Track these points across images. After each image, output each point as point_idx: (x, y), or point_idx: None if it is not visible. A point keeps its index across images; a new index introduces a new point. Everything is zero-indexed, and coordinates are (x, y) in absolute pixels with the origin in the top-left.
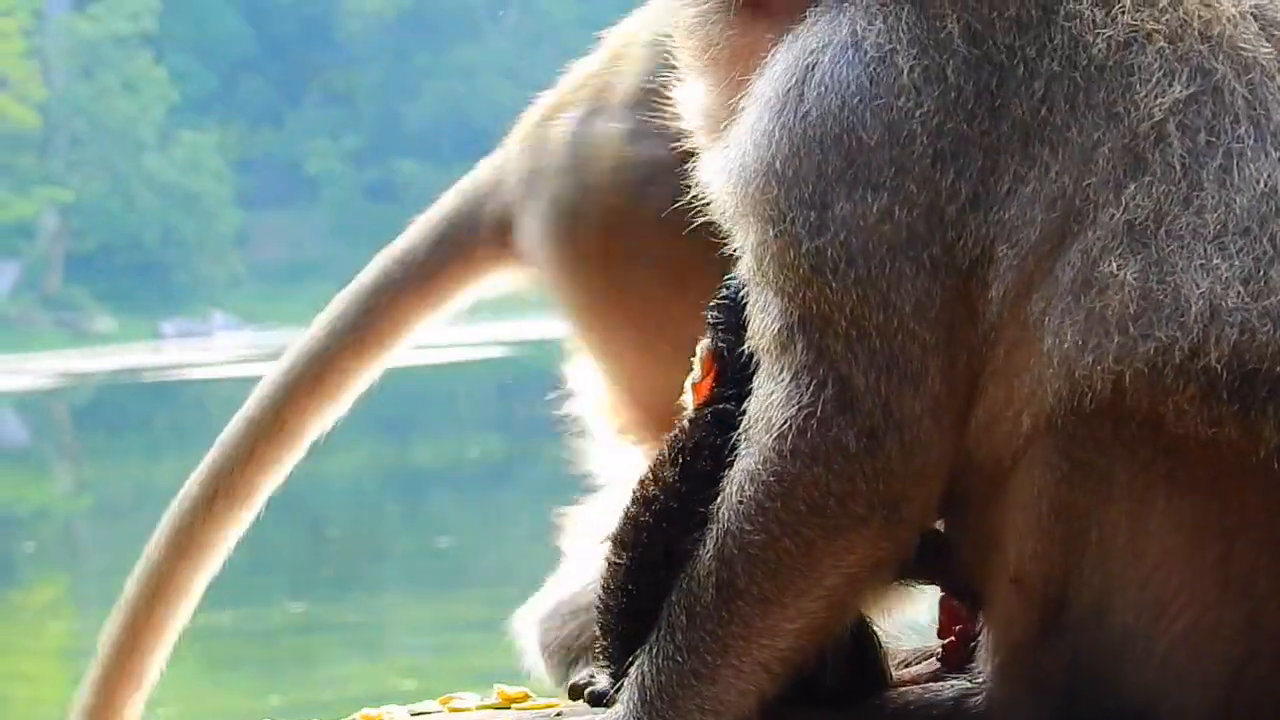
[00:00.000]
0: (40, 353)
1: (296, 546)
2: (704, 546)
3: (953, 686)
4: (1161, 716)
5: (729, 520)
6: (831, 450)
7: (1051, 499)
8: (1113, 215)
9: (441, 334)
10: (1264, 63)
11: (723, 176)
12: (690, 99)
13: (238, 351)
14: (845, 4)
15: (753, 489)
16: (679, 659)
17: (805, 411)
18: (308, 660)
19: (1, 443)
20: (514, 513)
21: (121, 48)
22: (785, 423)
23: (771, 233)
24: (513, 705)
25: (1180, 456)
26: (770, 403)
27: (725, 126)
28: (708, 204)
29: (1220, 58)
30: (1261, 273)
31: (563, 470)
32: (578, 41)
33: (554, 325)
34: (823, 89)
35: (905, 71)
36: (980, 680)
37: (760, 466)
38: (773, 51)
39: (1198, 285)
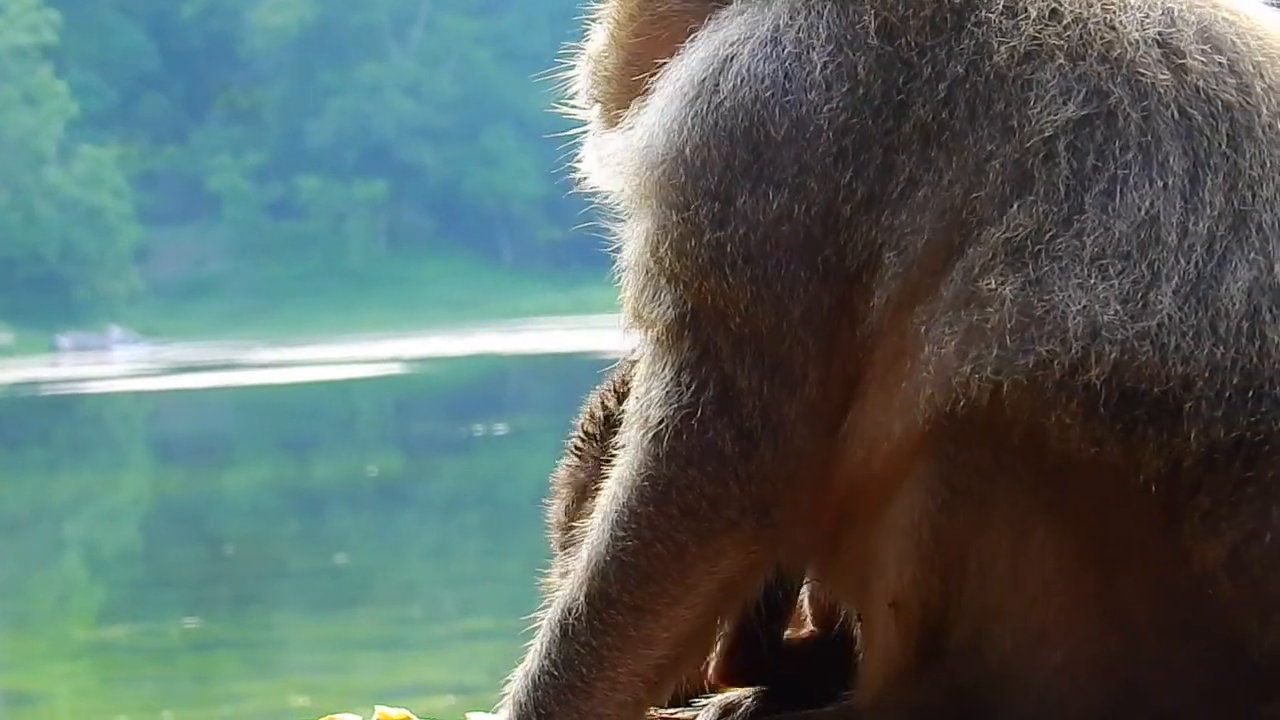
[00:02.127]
0: None
1: (193, 563)
2: (577, 558)
3: (831, 710)
4: None
5: (602, 529)
6: (707, 452)
7: (932, 525)
8: (995, 233)
9: (339, 351)
10: (1161, 91)
11: (628, 156)
12: (600, 67)
13: (135, 366)
14: None
15: (625, 495)
16: (554, 674)
17: (684, 412)
18: (203, 677)
19: None
20: (411, 531)
21: (21, 60)
22: (662, 422)
23: (675, 218)
24: None
25: (1061, 485)
26: (649, 400)
27: (633, 104)
28: (603, 179)
29: (1118, 81)
30: (1140, 296)
31: (460, 488)
32: (478, 60)
33: (453, 344)
34: (738, 81)
35: (819, 67)
36: (859, 710)
37: (634, 471)
38: (693, 37)
39: (1076, 304)
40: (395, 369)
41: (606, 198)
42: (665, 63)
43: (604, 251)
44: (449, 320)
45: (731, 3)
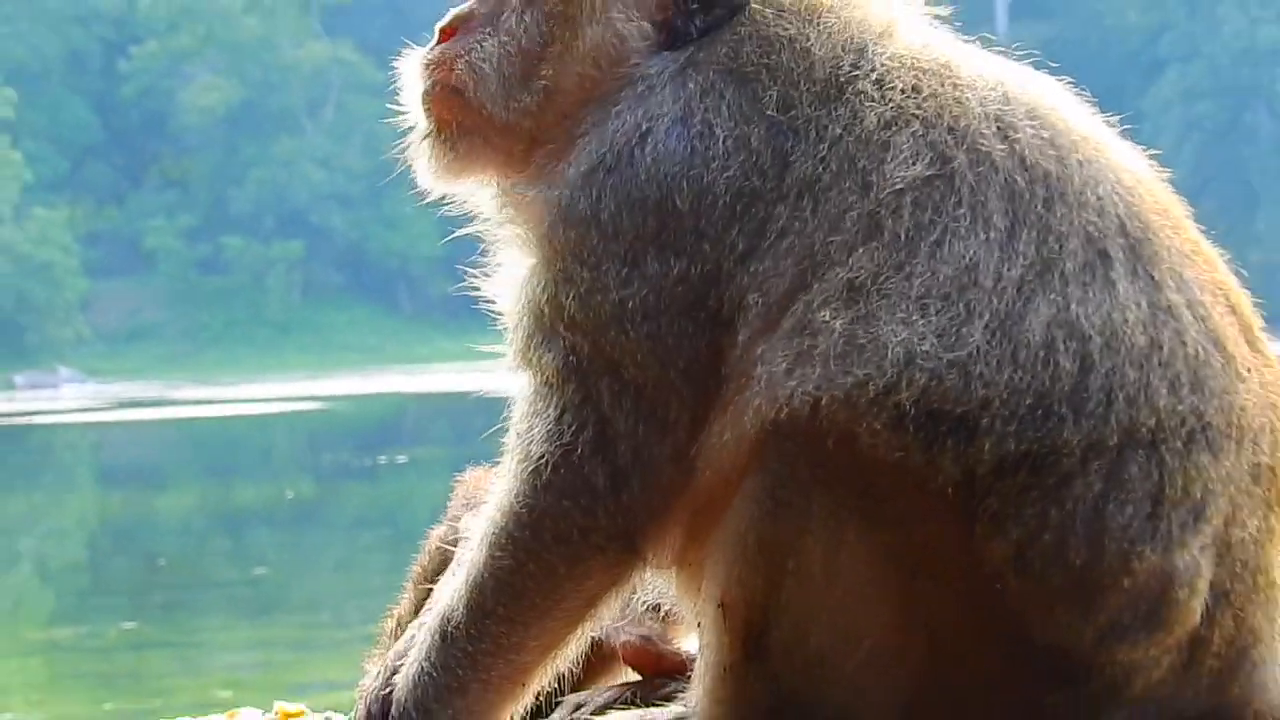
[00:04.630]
0: None
1: (131, 573)
2: (456, 574)
3: (672, 710)
4: None
5: (480, 549)
6: (582, 487)
7: (758, 532)
8: (840, 274)
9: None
10: (995, 159)
11: (540, 206)
12: (522, 95)
13: (81, 401)
14: (688, 75)
15: (503, 520)
16: (434, 675)
17: (564, 449)
18: (139, 673)
19: None
20: (322, 547)
21: None
22: (543, 457)
23: (584, 274)
24: (287, 716)
25: (870, 494)
26: (531, 436)
27: (549, 142)
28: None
29: (961, 148)
30: (955, 331)
31: (365, 511)
32: (381, 135)
33: (360, 384)
34: (654, 157)
35: (720, 140)
36: (692, 706)
37: (512, 499)
38: (618, 101)
39: (897, 336)
40: (309, 406)
41: (493, 239)
42: (588, 112)
43: (488, 307)
44: (356, 363)
45: (655, 78)
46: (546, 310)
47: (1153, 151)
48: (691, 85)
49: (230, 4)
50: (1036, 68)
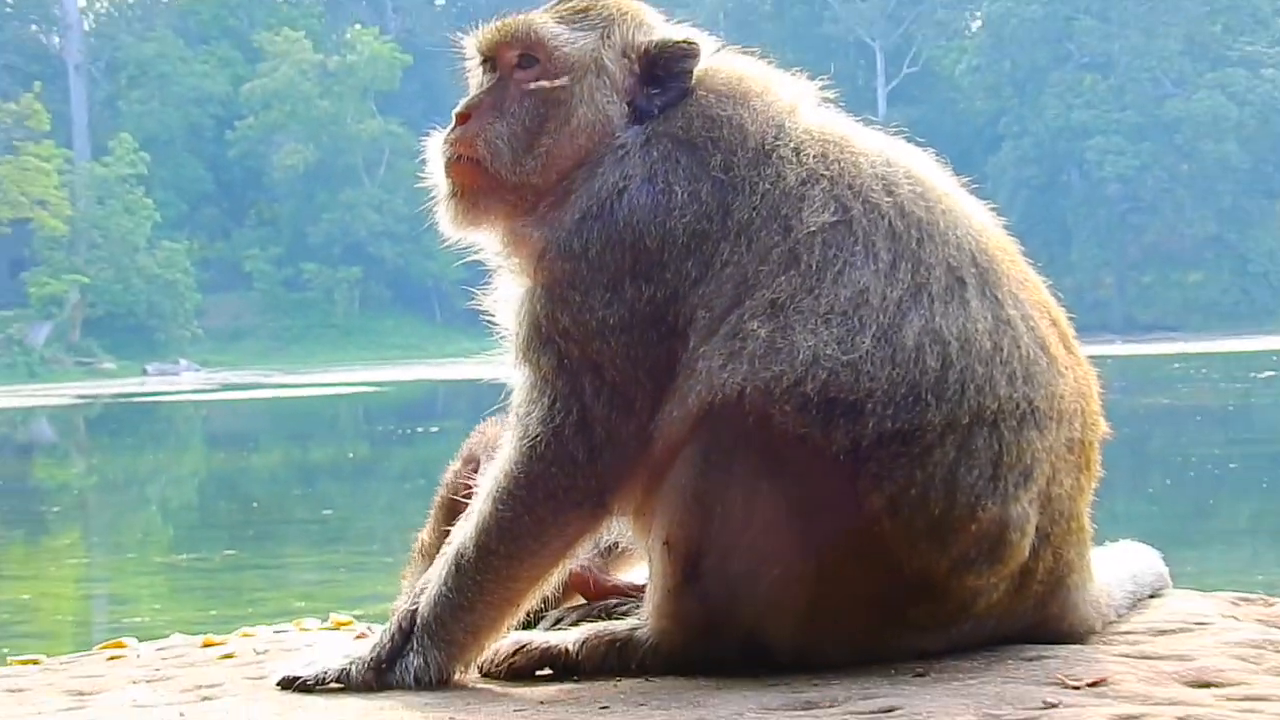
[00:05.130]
0: (65, 383)
1: (231, 513)
2: (468, 520)
3: (626, 624)
4: (766, 637)
5: (486, 501)
6: (567, 458)
7: (694, 486)
8: (765, 294)
9: (329, 377)
10: (882, 208)
11: (542, 244)
12: (527, 161)
13: (196, 385)
14: (652, 144)
15: (505, 481)
16: (449, 597)
17: (554, 428)
18: (236, 588)
19: (39, 440)
20: (375, 495)
21: (123, 184)
22: (537, 435)
23: (576, 299)
24: (340, 628)
25: (780, 458)
26: (530, 418)
27: (548, 195)
28: (507, 247)
29: (858, 200)
30: (850, 339)
31: (408, 467)
32: (422, 190)
33: (403, 373)
34: (629, 208)
35: (679, 195)
36: (644, 619)
37: (513, 465)
38: (601, 164)
39: (807, 342)
40: (366, 390)
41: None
42: (578, 172)
43: (490, 317)
44: (400, 358)
45: (628, 148)
46: (544, 322)
47: (994, 204)
48: (655, 153)
49: (309, 90)
50: (909, 140)
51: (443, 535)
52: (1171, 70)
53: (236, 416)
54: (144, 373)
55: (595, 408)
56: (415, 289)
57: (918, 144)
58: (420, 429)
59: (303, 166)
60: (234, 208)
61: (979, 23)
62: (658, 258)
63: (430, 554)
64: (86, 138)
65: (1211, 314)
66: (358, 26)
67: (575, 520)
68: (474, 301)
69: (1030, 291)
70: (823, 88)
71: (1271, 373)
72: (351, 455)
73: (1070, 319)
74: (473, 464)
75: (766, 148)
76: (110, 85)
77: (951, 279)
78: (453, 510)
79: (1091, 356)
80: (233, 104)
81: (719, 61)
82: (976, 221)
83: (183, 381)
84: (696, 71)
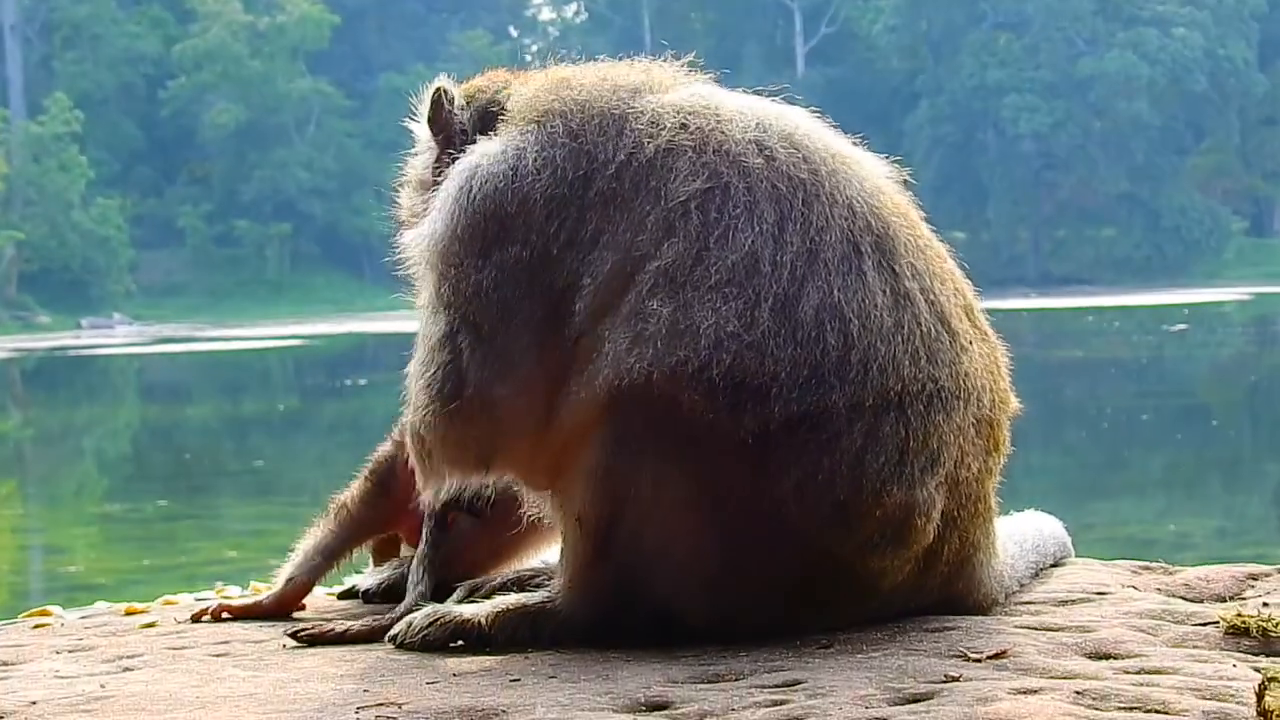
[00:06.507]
0: (1, 337)
1: (164, 464)
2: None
3: (538, 596)
4: (676, 612)
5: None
6: (454, 419)
7: (606, 465)
8: (654, 264)
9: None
10: (759, 171)
11: (421, 237)
12: (415, 194)
13: (129, 339)
14: (500, 132)
15: (412, 442)
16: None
17: (439, 394)
18: (170, 537)
19: None
20: (305, 447)
21: (58, 142)
22: (428, 401)
23: (452, 272)
24: (261, 592)
25: (689, 440)
26: (420, 384)
27: (424, 208)
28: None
29: (728, 165)
30: (749, 314)
31: (336, 419)
32: (350, 147)
33: (333, 327)
34: (484, 181)
35: (530, 162)
36: (556, 592)
37: (412, 428)
38: (456, 162)
39: (707, 321)
40: (296, 343)
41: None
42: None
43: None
44: (330, 313)
45: (477, 142)
46: (434, 299)
47: (910, 162)
48: (503, 134)
49: (240, 50)
50: (826, 100)
51: (365, 507)
52: (1084, 30)
53: (170, 370)
54: (79, 327)
55: (472, 369)
56: (344, 245)
57: (835, 102)
58: (349, 382)
59: (234, 125)
60: (166, 166)
61: None
62: (521, 221)
63: (344, 520)
64: (22, 98)
65: (1124, 268)
66: None
67: (474, 479)
68: (397, 261)
69: (931, 261)
70: (742, 47)
71: (1182, 326)
72: (282, 408)
73: (987, 274)
74: (402, 446)
75: (616, 118)
76: (45, 46)
77: (847, 247)
78: (380, 487)
79: (1007, 310)
80: (165, 64)
81: (550, 70)
82: (869, 184)
83: (117, 335)
84: (537, 78)
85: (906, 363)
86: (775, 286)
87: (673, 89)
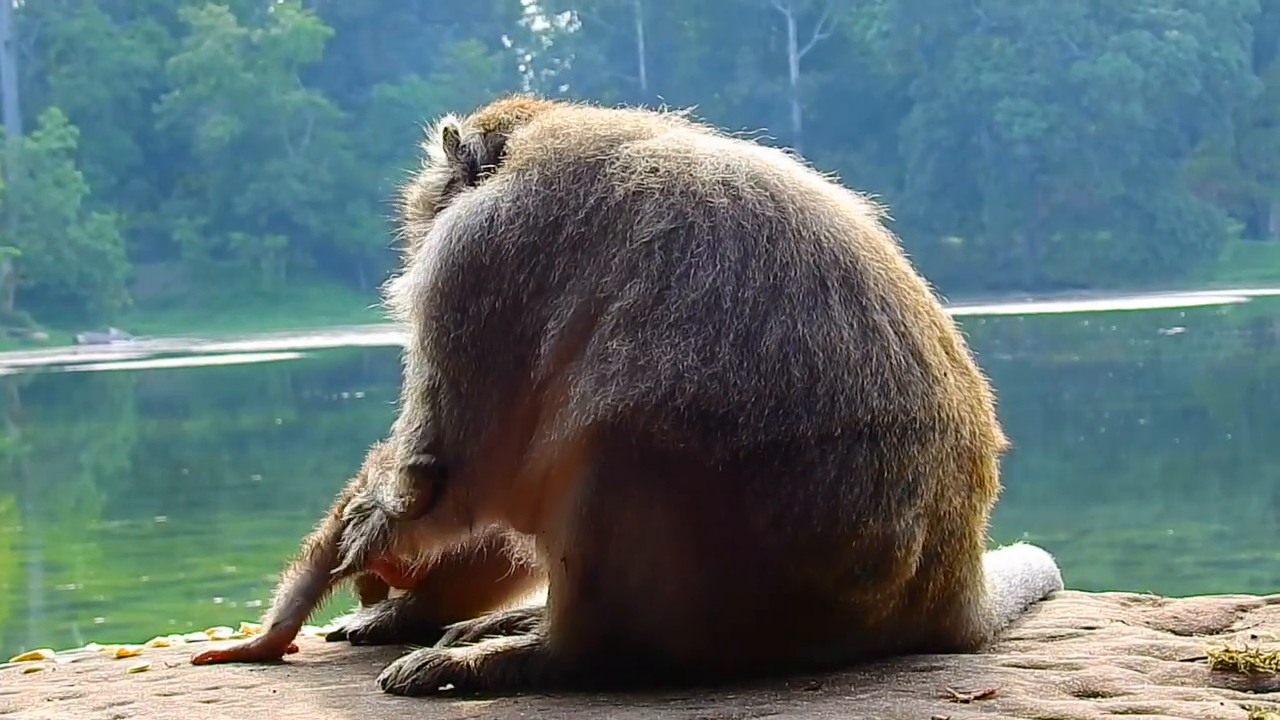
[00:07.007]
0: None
1: (163, 479)
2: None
3: (526, 639)
4: (662, 651)
5: (374, 497)
6: (432, 475)
7: (590, 505)
8: (616, 305)
9: (257, 345)
10: (722, 210)
11: (407, 289)
12: (418, 207)
13: (126, 353)
14: (478, 183)
15: (391, 497)
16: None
17: (416, 451)
18: (168, 553)
19: None
20: (302, 460)
21: (53, 157)
22: (409, 456)
23: (434, 325)
24: (252, 634)
25: (666, 474)
26: (402, 439)
27: (421, 228)
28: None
29: (693, 206)
30: (709, 349)
31: (334, 431)
32: (345, 159)
33: (329, 339)
34: (462, 233)
35: (504, 212)
36: (544, 635)
37: (394, 482)
38: (439, 216)
39: (667, 356)
40: (293, 356)
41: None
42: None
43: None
44: (326, 325)
45: (457, 197)
46: (418, 350)
47: (905, 166)
48: (489, 181)
49: (234, 63)
50: (820, 106)
51: (338, 547)
52: (1078, 33)
53: (167, 384)
54: (75, 342)
55: (448, 427)
56: (340, 257)
57: (830, 108)
58: (346, 394)
59: (228, 138)
60: (161, 179)
61: None
62: (494, 271)
63: (320, 560)
64: (17, 113)
65: (1120, 272)
66: (280, 1)
67: (453, 532)
68: (397, 271)
69: (905, 294)
70: (735, 54)
71: (1179, 329)
72: (279, 421)
73: (983, 278)
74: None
75: (589, 164)
76: (39, 61)
77: (813, 282)
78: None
79: (1004, 315)
80: (159, 78)
81: (552, 113)
82: (840, 220)
83: (113, 350)
84: (536, 121)
85: (875, 394)
86: (736, 322)
87: (656, 135)
